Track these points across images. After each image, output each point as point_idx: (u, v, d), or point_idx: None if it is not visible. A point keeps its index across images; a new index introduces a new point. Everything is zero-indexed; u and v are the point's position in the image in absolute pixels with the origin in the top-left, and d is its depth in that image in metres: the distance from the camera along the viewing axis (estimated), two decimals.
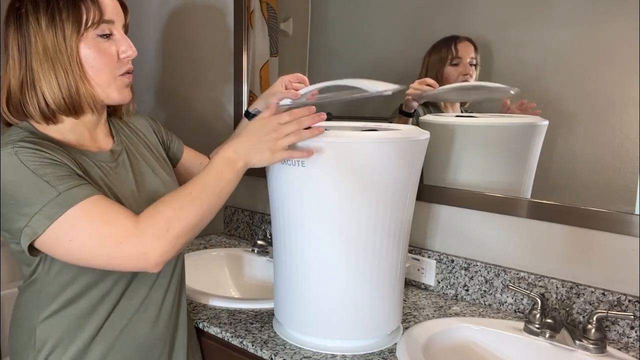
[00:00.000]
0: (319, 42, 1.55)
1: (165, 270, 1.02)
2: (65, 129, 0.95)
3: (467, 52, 1.27)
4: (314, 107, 0.95)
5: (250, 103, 1.73)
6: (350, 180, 0.95)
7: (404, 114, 1.36)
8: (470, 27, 1.26)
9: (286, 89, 1.18)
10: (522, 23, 1.18)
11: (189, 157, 1.24)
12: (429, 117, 1.34)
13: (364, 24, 1.45)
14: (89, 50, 0.91)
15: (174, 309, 1.05)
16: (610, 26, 1.07)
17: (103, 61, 0.92)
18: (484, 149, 1.29)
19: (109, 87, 0.94)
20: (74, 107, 0.92)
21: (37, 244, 0.84)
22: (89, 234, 0.83)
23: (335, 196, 0.96)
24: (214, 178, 0.90)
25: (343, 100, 1.19)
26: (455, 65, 1.29)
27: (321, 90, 1.13)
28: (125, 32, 0.98)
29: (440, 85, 1.32)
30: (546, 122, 1.17)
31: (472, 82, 1.27)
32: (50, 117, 0.91)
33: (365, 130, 0.99)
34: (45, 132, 0.93)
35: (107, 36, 0.92)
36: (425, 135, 1.01)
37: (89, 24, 0.89)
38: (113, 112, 1.07)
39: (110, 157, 0.99)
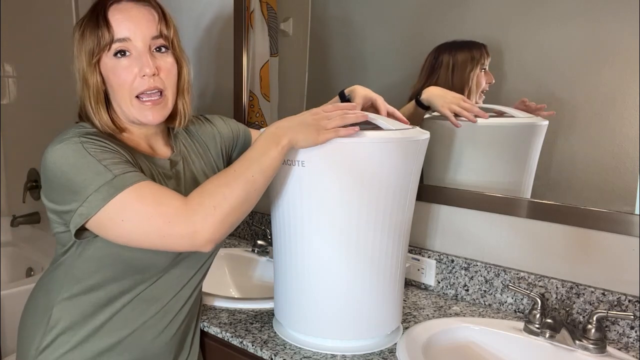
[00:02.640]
0: (319, 42, 1.55)
1: (190, 284, 1.04)
2: (124, 136, 0.99)
3: (487, 59, 1.26)
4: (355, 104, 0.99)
5: (250, 103, 1.73)
6: (350, 180, 0.95)
7: (420, 105, 1.32)
8: (470, 27, 1.26)
9: None
10: (521, 23, 1.18)
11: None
12: (429, 117, 1.34)
13: (364, 23, 1.45)
14: (107, 72, 0.93)
15: (186, 320, 1.07)
16: (611, 26, 1.07)
17: (118, 82, 0.93)
18: (483, 149, 1.29)
19: (128, 109, 0.95)
20: (116, 128, 0.96)
21: (89, 225, 0.87)
22: (141, 213, 0.85)
23: (335, 196, 0.96)
24: (258, 154, 0.90)
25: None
26: (485, 70, 1.26)
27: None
28: (166, 44, 0.95)
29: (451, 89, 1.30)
30: (546, 122, 1.17)
31: (510, 115, 1.22)
32: (104, 134, 0.96)
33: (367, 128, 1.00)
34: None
35: (122, 54, 0.92)
36: (425, 135, 1.01)
37: (101, 45, 0.91)
38: (169, 122, 1.03)
39: (168, 165, 1.01)
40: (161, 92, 0.95)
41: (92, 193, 0.84)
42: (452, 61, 1.29)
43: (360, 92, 1.17)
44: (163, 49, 0.95)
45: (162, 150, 1.03)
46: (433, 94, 1.31)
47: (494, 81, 1.25)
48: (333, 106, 0.97)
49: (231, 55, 1.74)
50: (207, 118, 1.17)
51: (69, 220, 0.87)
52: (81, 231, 0.88)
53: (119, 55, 0.91)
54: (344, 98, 1.20)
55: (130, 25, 0.91)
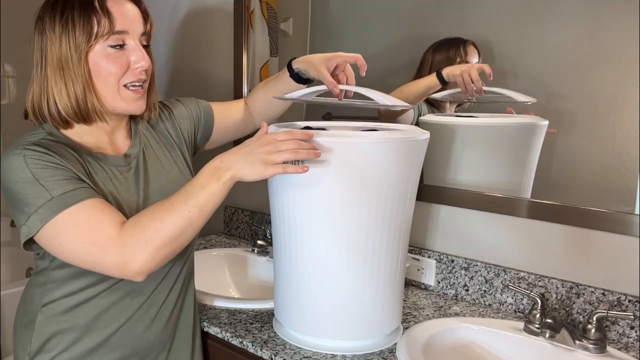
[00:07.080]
0: (319, 42, 1.55)
1: (171, 274, 1.04)
2: (84, 132, 0.97)
3: (473, 56, 1.27)
4: (312, 132, 0.93)
5: None
6: (350, 180, 0.95)
7: (441, 80, 1.31)
8: (470, 28, 1.26)
9: (332, 74, 1.11)
10: (521, 24, 1.18)
11: (222, 114, 1.22)
12: (429, 117, 1.34)
13: (364, 24, 1.45)
14: (97, 60, 0.92)
15: (175, 311, 1.06)
16: (611, 26, 1.07)
17: (109, 71, 0.92)
18: (484, 149, 1.29)
19: (114, 98, 0.95)
20: (82, 116, 0.94)
21: (37, 241, 0.88)
22: (74, 240, 0.85)
23: (335, 196, 0.96)
24: (197, 189, 0.88)
25: (356, 107, 1.16)
26: None
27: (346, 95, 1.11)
28: (148, 41, 0.98)
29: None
30: (546, 122, 1.17)
31: (499, 90, 1.23)
32: (61, 123, 0.94)
33: (365, 130, 1.00)
34: (65, 134, 0.96)
35: (120, 46, 0.93)
36: (425, 135, 1.01)
37: (99, 35, 0.90)
38: (134, 116, 1.06)
39: (123, 162, 1.00)
40: (142, 85, 0.97)
41: (32, 213, 0.84)
42: (431, 61, 1.32)
43: (317, 60, 1.10)
44: (145, 45, 0.98)
45: (122, 143, 1.02)
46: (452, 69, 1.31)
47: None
48: (287, 134, 0.90)
49: (231, 55, 1.74)
50: (164, 104, 1.16)
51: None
52: (30, 244, 0.89)
53: (117, 47, 0.92)
54: (293, 72, 1.14)
55: (127, 21, 0.93)
